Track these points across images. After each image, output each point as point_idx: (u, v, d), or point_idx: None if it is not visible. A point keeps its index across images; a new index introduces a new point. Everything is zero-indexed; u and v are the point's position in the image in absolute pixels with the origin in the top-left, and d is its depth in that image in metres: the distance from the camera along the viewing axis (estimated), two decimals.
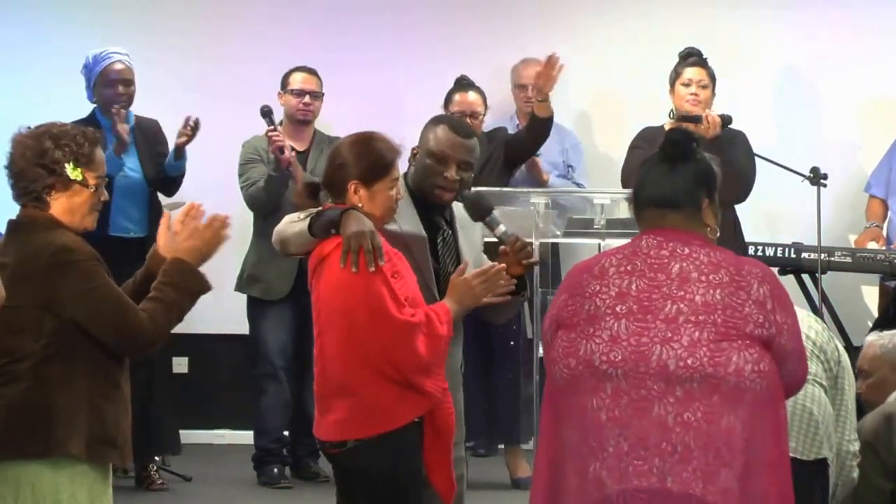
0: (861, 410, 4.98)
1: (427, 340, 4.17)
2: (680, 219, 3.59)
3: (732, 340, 3.43)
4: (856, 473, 4.80)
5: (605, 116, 8.18)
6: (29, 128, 4.14)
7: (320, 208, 4.33)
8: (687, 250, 3.54)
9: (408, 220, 4.46)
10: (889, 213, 7.71)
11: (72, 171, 4.08)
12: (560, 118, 7.55)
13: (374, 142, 4.32)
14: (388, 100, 8.10)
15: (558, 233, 5.61)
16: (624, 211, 5.59)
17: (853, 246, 7.56)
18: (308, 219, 4.29)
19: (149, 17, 8.15)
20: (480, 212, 4.45)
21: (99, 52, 7.03)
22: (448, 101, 7.22)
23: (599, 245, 5.54)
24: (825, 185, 6.94)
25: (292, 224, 4.34)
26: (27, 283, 4.01)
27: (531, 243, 4.42)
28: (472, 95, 7.21)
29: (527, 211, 5.46)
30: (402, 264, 4.27)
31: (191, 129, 6.95)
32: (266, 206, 7.13)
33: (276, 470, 7.22)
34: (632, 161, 7.07)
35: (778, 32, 8.22)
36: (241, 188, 7.24)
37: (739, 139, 7.19)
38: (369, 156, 4.28)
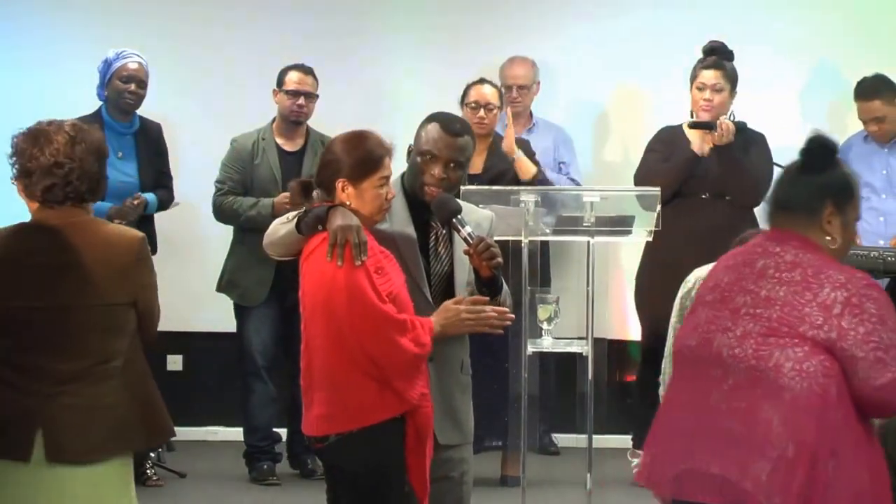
0: None
1: (411, 343, 4.17)
2: (793, 221, 3.67)
3: (781, 337, 3.52)
4: None
5: (597, 114, 8.15)
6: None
7: (307, 208, 4.34)
8: (778, 248, 3.64)
9: (399, 221, 4.47)
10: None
11: None
12: (550, 115, 7.56)
13: (363, 139, 4.33)
14: (382, 98, 8.14)
15: (547, 230, 5.59)
16: (614, 209, 5.58)
17: None
18: (296, 219, 4.30)
19: (143, 19, 8.19)
20: (446, 214, 4.41)
21: (120, 50, 7.11)
22: (464, 95, 7.26)
23: (588, 243, 5.52)
24: None
25: (281, 227, 4.36)
26: (121, 280, 3.99)
27: (495, 246, 4.38)
28: (486, 88, 7.26)
29: (516, 209, 5.44)
30: (389, 263, 4.28)
31: (133, 208, 6.84)
32: (232, 223, 7.17)
33: (265, 466, 7.27)
34: (646, 164, 7.05)
35: (792, 34, 8.13)
36: (215, 188, 7.21)
37: (759, 141, 7.17)
38: (357, 153, 4.29)
